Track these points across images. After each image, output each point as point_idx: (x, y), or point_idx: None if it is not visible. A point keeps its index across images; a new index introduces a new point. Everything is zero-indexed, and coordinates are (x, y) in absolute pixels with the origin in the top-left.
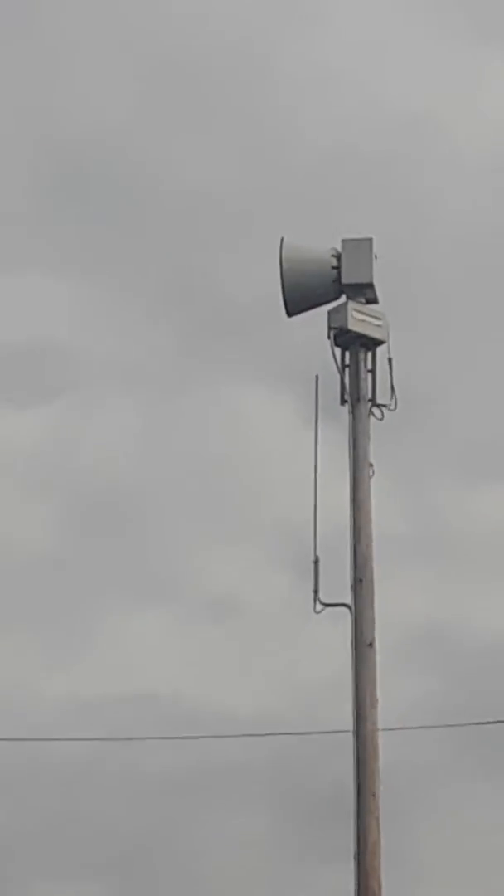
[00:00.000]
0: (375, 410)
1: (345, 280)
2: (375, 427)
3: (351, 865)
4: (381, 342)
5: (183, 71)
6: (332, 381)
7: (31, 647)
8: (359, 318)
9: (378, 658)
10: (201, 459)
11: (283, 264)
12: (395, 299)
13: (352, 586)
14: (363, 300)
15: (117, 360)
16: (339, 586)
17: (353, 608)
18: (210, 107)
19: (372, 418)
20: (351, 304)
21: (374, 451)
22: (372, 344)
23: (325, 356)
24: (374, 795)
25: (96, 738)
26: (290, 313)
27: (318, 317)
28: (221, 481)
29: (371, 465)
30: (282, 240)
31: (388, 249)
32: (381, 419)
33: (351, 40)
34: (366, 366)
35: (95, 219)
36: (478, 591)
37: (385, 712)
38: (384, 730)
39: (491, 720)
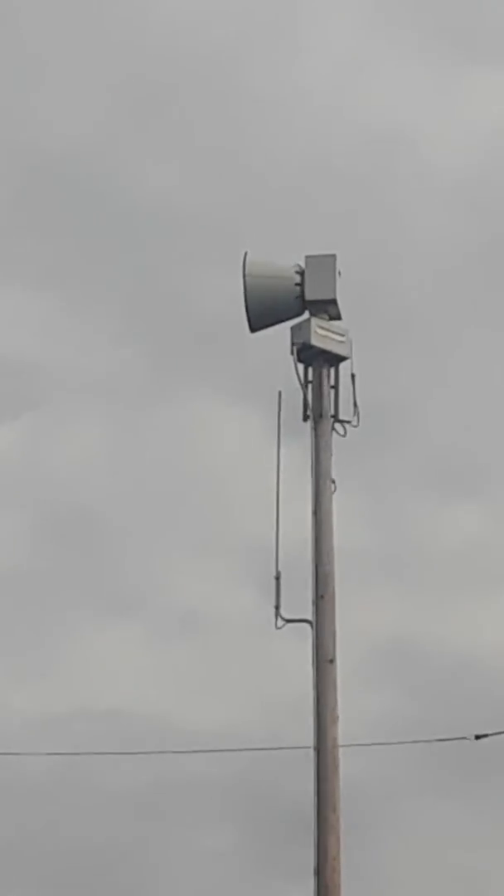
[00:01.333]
0: (338, 426)
1: (308, 296)
2: (344, 443)
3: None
4: (343, 358)
5: (156, 85)
6: (296, 397)
7: None
8: (322, 334)
9: (340, 674)
10: (170, 474)
11: (247, 279)
12: (365, 315)
13: (313, 602)
14: (326, 316)
15: (88, 375)
16: (304, 601)
17: (314, 624)
18: (183, 121)
19: (335, 434)
20: (314, 321)
21: (342, 467)
22: (335, 360)
23: (290, 372)
24: (334, 811)
25: (60, 753)
26: (253, 329)
27: (282, 332)
28: (189, 497)
29: (333, 480)
30: (245, 255)
31: (359, 266)
32: (344, 435)
33: (326, 57)
34: (328, 382)
35: (67, 233)
36: (444, 607)
37: (349, 728)
38: (344, 746)
39: (452, 737)
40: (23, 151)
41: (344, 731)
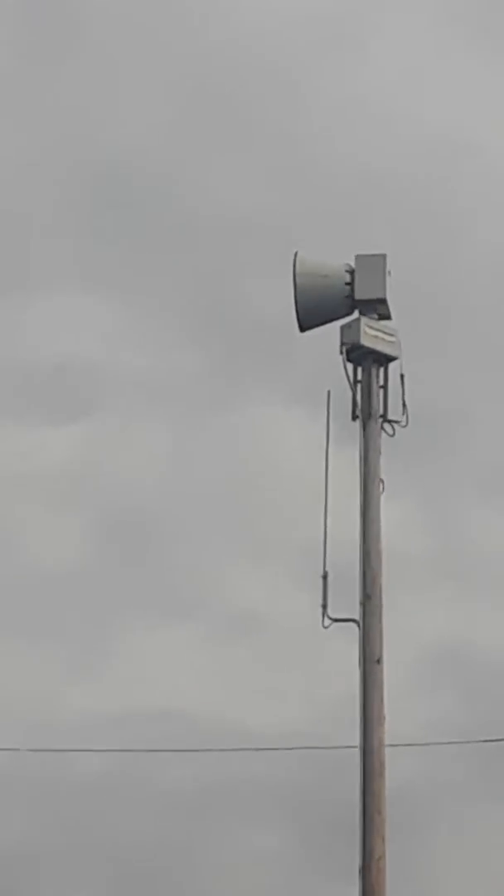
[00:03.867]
0: (387, 426)
1: (358, 296)
2: (396, 445)
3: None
4: (393, 358)
5: (220, 94)
6: (346, 397)
7: (56, 661)
8: (371, 334)
9: (393, 676)
10: (229, 478)
11: (297, 279)
12: (422, 321)
13: (360, 602)
14: (376, 316)
15: (149, 380)
16: (355, 602)
17: (361, 624)
18: (247, 130)
19: (387, 436)
20: (363, 320)
21: (398, 471)
22: (384, 360)
23: (339, 372)
24: (379, 812)
25: (115, 749)
26: (302, 328)
27: (333, 332)
28: (248, 500)
29: (382, 481)
30: (295, 254)
31: (419, 271)
32: (393, 435)
33: (388, 65)
34: (377, 382)
35: (131, 239)
36: (496, 610)
37: (401, 730)
38: (391, 746)
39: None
40: (88, 156)
41: (395, 732)
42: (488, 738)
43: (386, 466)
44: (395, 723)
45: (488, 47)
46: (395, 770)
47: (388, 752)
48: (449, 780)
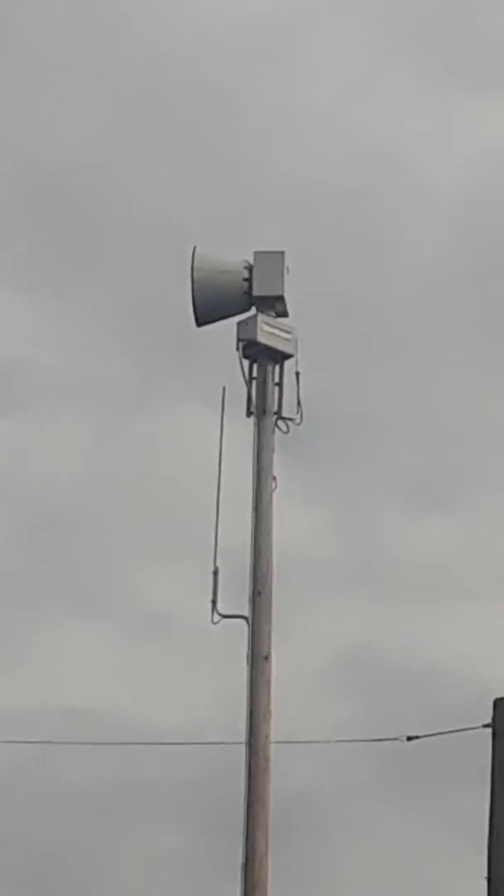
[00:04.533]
0: (281, 423)
1: (255, 292)
2: (317, 453)
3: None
4: (289, 356)
5: (157, 101)
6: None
7: None
8: (268, 331)
9: (296, 676)
10: (147, 480)
11: (195, 273)
12: (348, 327)
13: (250, 599)
14: (273, 313)
15: (73, 381)
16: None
17: (249, 621)
18: (182, 137)
19: (277, 431)
20: (260, 317)
21: (317, 478)
22: (280, 357)
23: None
24: (263, 808)
25: (20, 741)
26: (199, 323)
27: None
28: (162, 500)
29: (274, 478)
30: (194, 249)
31: (349, 281)
32: (287, 432)
33: (326, 79)
34: (273, 379)
35: (62, 242)
36: (410, 617)
37: (309, 732)
38: (277, 742)
39: (385, 737)
40: (23, 161)
41: (301, 733)
42: (382, 738)
43: (300, 472)
44: (300, 723)
45: (424, 64)
46: (297, 771)
47: (286, 753)
48: (349, 781)
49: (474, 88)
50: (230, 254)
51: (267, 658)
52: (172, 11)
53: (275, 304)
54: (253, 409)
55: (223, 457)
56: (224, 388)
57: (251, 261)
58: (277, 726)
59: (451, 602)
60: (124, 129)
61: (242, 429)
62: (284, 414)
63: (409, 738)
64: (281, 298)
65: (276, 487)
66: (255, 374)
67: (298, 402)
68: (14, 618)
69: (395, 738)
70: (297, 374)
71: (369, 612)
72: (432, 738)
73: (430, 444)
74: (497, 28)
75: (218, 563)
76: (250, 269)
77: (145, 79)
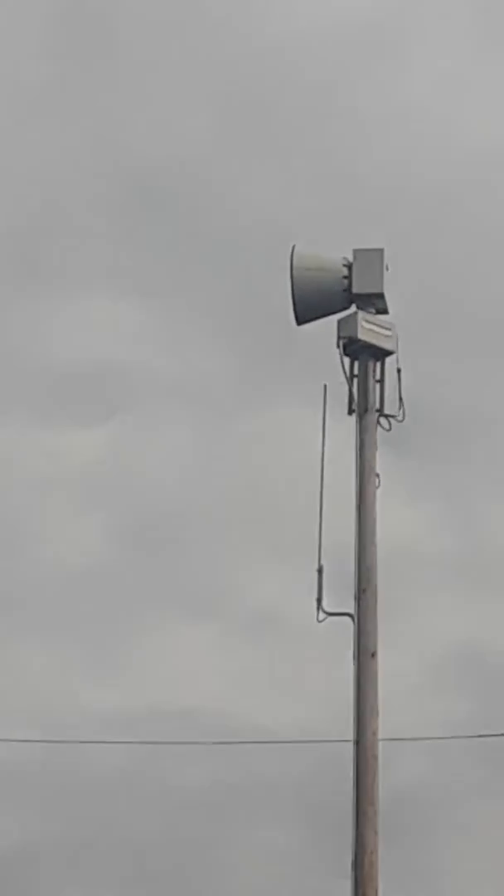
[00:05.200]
0: (383, 421)
1: (355, 290)
2: (424, 449)
3: None
4: (390, 352)
5: (256, 102)
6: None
7: (77, 658)
8: (368, 328)
9: (403, 673)
10: (251, 479)
11: (294, 272)
12: (451, 325)
13: (355, 596)
14: (373, 310)
15: (176, 382)
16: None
17: (355, 618)
18: (281, 137)
19: (379, 428)
20: (361, 314)
21: (423, 474)
22: (381, 354)
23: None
24: (372, 804)
25: (132, 742)
26: (299, 321)
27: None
28: (267, 500)
29: (377, 475)
30: (293, 248)
31: (451, 278)
32: (389, 429)
33: (424, 76)
34: (374, 376)
35: (168, 244)
36: None
37: (418, 729)
38: (384, 740)
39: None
40: (126, 164)
41: (410, 730)
42: (490, 734)
43: (404, 466)
44: (406, 719)
45: None
46: (403, 767)
47: (394, 749)
48: (459, 778)
49: None
50: (330, 252)
51: (374, 655)
52: (270, 11)
53: (375, 302)
54: (355, 406)
55: (326, 455)
56: (325, 386)
57: (350, 258)
58: (385, 723)
59: None
60: (224, 130)
61: (345, 427)
62: (386, 411)
63: None
64: (381, 295)
65: (379, 485)
66: (356, 371)
67: (400, 399)
68: (124, 619)
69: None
70: (399, 370)
71: (479, 608)
72: None
73: None
74: None
75: (322, 562)
76: (349, 266)
77: (245, 80)
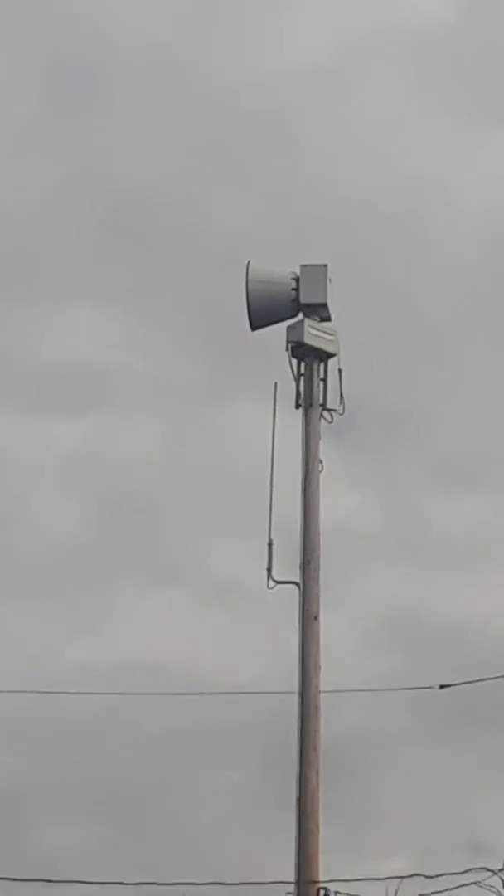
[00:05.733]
0: (326, 414)
1: (302, 300)
2: (363, 439)
3: None
4: (332, 355)
5: (223, 138)
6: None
7: (57, 618)
8: (313, 334)
9: (343, 635)
10: (214, 465)
11: (249, 285)
12: (388, 331)
13: (300, 566)
14: (318, 318)
15: (149, 380)
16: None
17: (301, 586)
18: (243, 168)
19: (322, 421)
20: (307, 321)
21: (363, 463)
22: (324, 356)
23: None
24: (314, 749)
25: (106, 693)
26: (253, 327)
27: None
28: (226, 483)
29: (321, 461)
30: (248, 263)
31: (388, 291)
32: (331, 422)
33: (369, 116)
34: (318, 375)
35: (143, 259)
36: (443, 582)
37: (355, 683)
38: (325, 692)
39: (420, 686)
40: (106, 191)
41: (348, 684)
42: (418, 686)
43: (346, 454)
44: (345, 674)
45: (455, 102)
46: (342, 716)
47: (334, 700)
48: (391, 726)
49: (498, 121)
50: (280, 267)
51: (316, 618)
52: (232, 58)
53: (319, 311)
54: (301, 401)
55: (276, 444)
56: (276, 384)
57: (298, 273)
58: (327, 678)
59: (481, 569)
60: (194, 161)
61: (293, 420)
62: (329, 406)
63: (442, 687)
64: (324, 305)
65: (322, 470)
66: (302, 371)
67: (341, 396)
68: (100, 585)
69: (429, 687)
70: (340, 370)
71: (409, 579)
72: (465, 686)
73: (461, 434)
74: None
75: (272, 537)
76: (297, 279)
77: (214, 118)
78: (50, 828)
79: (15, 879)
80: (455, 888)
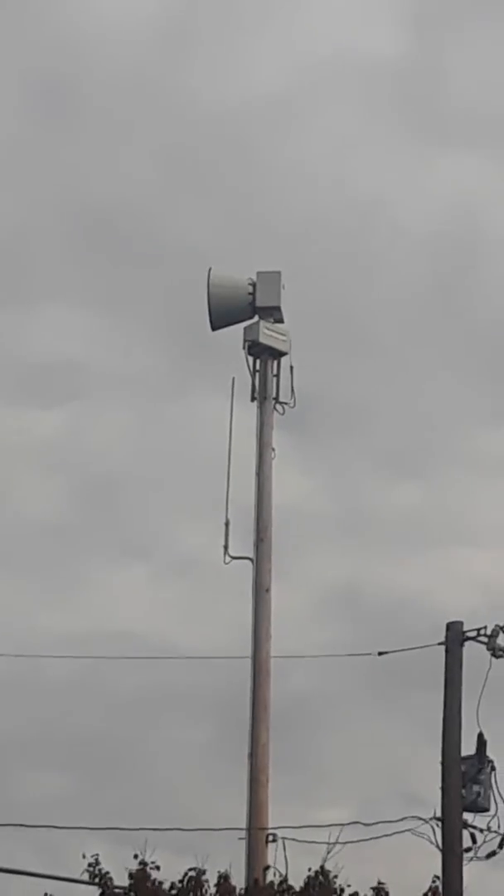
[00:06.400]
0: (278, 407)
1: (258, 304)
2: (312, 430)
3: None
4: (284, 353)
5: (189, 157)
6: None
7: (34, 589)
8: (268, 334)
9: (291, 607)
10: (178, 452)
11: (210, 289)
12: (348, 332)
13: (254, 544)
14: (272, 320)
15: (122, 375)
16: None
17: (254, 561)
18: (205, 184)
19: (275, 413)
20: (262, 323)
21: (313, 451)
22: (278, 354)
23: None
24: (265, 709)
25: (78, 657)
26: (214, 328)
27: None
28: (192, 469)
29: (273, 449)
30: (210, 269)
31: (337, 297)
32: (283, 414)
33: (321, 139)
34: (272, 371)
35: (114, 265)
36: (385, 560)
37: (302, 650)
38: (275, 657)
39: (361, 653)
40: (83, 202)
41: (296, 651)
42: (360, 653)
43: (298, 443)
44: (293, 642)
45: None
46: (291, 680)
47: (284, 665)
48: (334, 688)
49: (440, 145)
50: (239, 274)
51: (268, 591)
52: (202, 86)
53: (273, 313)
54: (256, 395)
55: (233, 434)
56: (233, 379)
57: (254, 279)
58: (277, 645)
59: (419, 549)
60: (163, 178)
61: (249, 412)
62: (281, 399)
63: (380, 654)
64: (278, 308)
65: (275, 457)
66: (258, 368)
67: (292, 390)
68: (75, 559)
69: (369, 654)
70: (292, 367)
71: (354, 557)
72: (400, 653)
73: (403, 425)
74: (456, 97)
75: (229, 516)
76: (254, 285)
77: (182, 137)
78: (25, 778)
79: None
80: (391, 835)
